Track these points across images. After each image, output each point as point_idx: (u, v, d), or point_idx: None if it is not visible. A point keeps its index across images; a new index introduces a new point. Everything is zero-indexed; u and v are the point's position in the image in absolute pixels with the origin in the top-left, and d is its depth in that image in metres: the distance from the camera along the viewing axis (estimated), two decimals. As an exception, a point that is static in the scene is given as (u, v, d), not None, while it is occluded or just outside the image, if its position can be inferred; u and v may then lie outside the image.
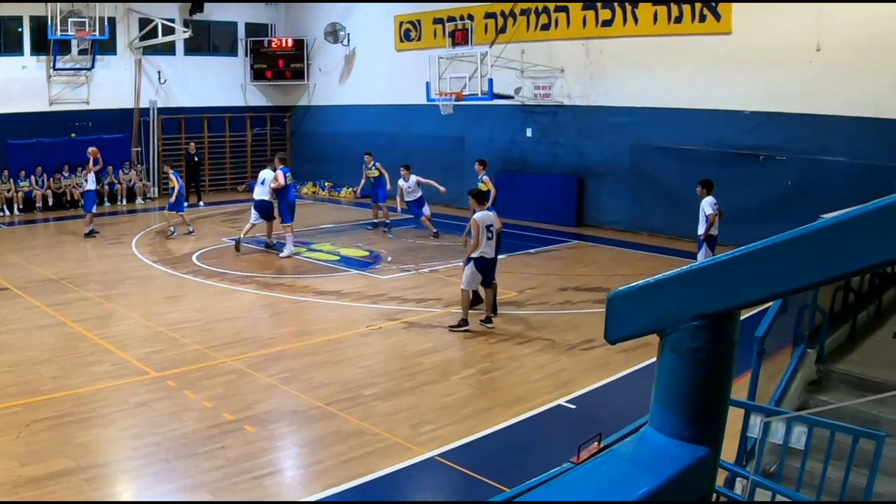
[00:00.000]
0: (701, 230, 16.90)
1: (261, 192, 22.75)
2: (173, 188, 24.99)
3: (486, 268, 15.27)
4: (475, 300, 15.92)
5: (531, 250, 23.35)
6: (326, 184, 36.71)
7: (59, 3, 30.79)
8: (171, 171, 25.84)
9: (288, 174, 22.78)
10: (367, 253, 22.44)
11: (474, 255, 15.15)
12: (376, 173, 25.88)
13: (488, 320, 15.56)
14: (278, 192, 22.47)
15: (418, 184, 24.61)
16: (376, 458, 9.79)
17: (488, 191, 15.87)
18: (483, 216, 15.25)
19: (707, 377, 1.98)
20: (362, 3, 34.60)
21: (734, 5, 23.37)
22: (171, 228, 25.02)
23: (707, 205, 16.85)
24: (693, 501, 2.01)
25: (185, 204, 25.68)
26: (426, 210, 24.82)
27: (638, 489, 1.81)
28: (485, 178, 22.07)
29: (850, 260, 1.67)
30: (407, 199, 24.93)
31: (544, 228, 26.79)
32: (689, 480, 1.96)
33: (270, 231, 23.31)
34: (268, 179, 22.56)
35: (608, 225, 27.17)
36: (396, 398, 11.91)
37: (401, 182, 24.72)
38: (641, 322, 2.07)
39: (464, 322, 15.37)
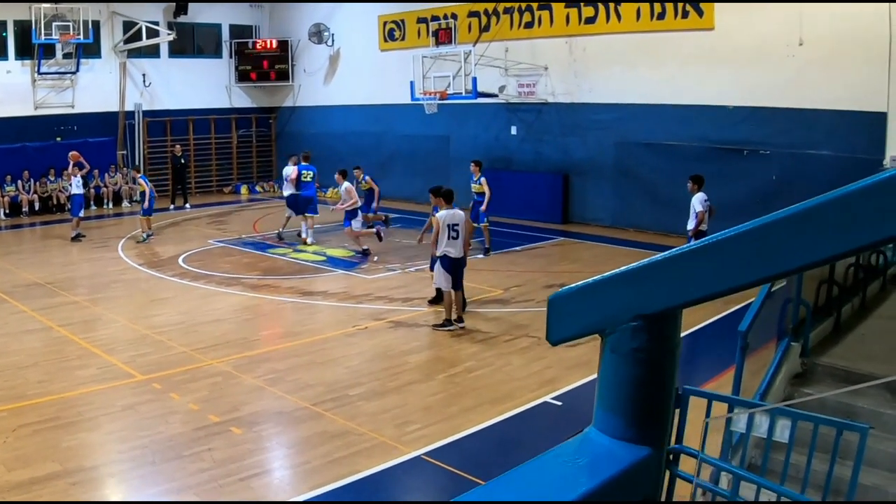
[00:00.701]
0: (691, 226, 16.95)
1: (285, 188, 24.68)
2: (143, 192, 25.04)
3: (452, 267, 15.22)
4: (436, 300, 16.02)
5: (517, 248, 23.40)
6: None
7: (43, 6, 30.73)
8: (140, 176, 26.01)
9: (306, 171, 24.08)
10: (352, 253, 22.42)
11: (438, 253, 15.18)
12: (366, 186, 25.64)
13: (459, 320, 15.50)
14: (297, 187, 24.10)
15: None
16: (362, 458, 9.80)
17: (449, 190, 15.56)
18: (447, 215, 15.21)
19: (648, 377, 1.99)
20: (346, 3, 34.54)
21: (716, 2, 23.41)
22: (144, 234, 24.96)
23: (697, 202, 16.94)
24: (637, 501, 2.02)
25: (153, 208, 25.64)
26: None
27: (577, 489, 1.81)
28: (482, 179, 21.96)
29: (782, 260, 1.68)
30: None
31: (530, 226, 26.81)
32: (631, 480, 1.97)
33: (286, 223, 24.82)
34: (288, 175, 24.17)
35: (593, 221, 27.22)
36: (382, 398, 11.92)
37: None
38: (582, 323, 2.08)
39: (448, 322, 15.36)
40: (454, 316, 15.51)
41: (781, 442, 6.10)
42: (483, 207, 21.78)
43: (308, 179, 24.23)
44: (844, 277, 11.00)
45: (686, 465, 6.11)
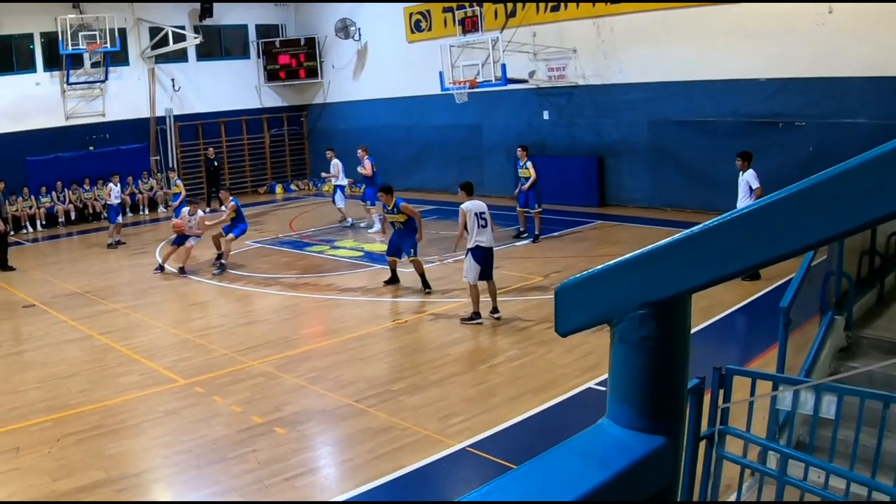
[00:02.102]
0: (745, 203, 16.58)
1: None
2: (178, 194, 25.38)
3: (484, 258, 15.02)
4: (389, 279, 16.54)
5: (555, 233, 23.27)
6: (347, 180, 36.77)
7: (68, 17, 30.89)
8: (176, 177, 26.33)
9: (371, 162, 25.32)
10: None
11: (470, 245, 15.00)
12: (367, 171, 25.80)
13: (495, 310, 15.32)
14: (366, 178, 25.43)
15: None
16: (406, 453, 9.75)
17: (469, 183, 15.58)
18: (472, 205, 15.11)
19: (659, 366, 1.91)
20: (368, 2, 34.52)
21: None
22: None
23: (752, 178, 16.57)
24: (652, 492, 1.95)
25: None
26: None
27: (589, 482, 1.74)
28: (528, 163, 21.98)
29: (792, 239, 1.60)
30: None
31: (566, 210, 26.67)
32: (644, 472, 1.89)
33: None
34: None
35: (630, 203, 27.07)
36: (424, 391, 11.87)
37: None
38: (589, 313, 2.01)
39: (476, 315, 15.21)
40: (487, 308, 15.39)
41: (828, 418, 6.03)
42: (526, 186, 21.89)
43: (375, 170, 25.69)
44: (886, 247, 10.85)
45: (733, 446, 6.04)
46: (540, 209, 22.11)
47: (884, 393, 6.05)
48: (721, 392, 6.05)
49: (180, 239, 20.99)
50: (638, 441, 1.91)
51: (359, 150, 25.84)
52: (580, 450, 1.95)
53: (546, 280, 18.01)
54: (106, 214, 26.28)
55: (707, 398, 5.96)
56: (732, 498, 6.81)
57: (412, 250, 17.38)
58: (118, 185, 26.07)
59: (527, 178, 21.99)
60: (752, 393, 6.26)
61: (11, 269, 22.30)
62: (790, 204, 1.58)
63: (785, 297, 7.97)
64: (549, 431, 10.30)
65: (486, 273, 15.10)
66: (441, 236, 23.19)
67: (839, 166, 1.53)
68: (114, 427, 10.98)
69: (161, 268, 20.99)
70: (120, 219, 25.48)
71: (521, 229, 22.82)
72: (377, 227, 24.99)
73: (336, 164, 26.45)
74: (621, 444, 1.91)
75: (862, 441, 5.94)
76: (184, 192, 26.18)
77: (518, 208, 22.65)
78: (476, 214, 14.95)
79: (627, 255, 1.88)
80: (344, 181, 26.63)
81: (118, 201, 25.49)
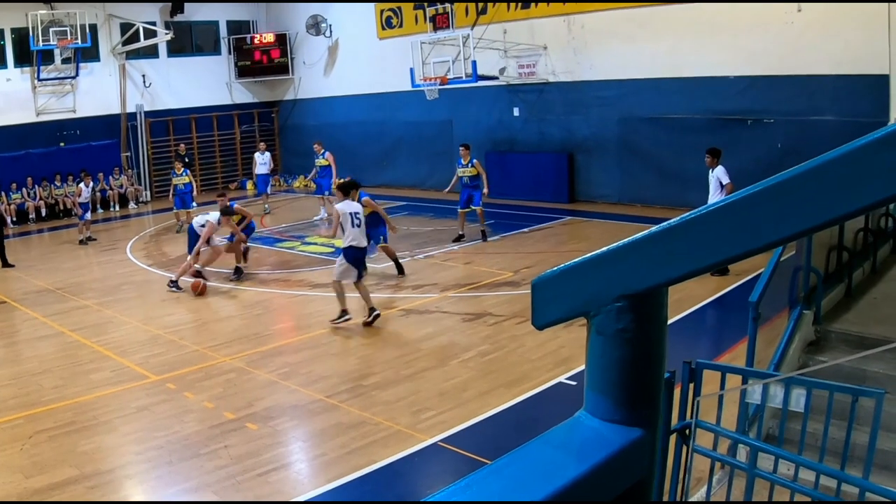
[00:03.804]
0: (716, 199, 16.54)
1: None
2: (189, 184, 25.47)
3: (356, 258, 15.01)
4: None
5: (524, 229, 23.35)
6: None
7: (39, 12, 30.78)
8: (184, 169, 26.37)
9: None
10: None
11: (344, 244, 15.02)
12: (325, 162, 25.88)
13: (373, 310, 15.26)
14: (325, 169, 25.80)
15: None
16: (379, 448, 9.79)
17: (347, 182, 15.71)
18: (345, 206, 15.07)
19: (635, 358, 1.95)
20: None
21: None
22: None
23: (722, 174, 16.66)
24: (630, 484, 1.99)
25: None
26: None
27: (567, 474, 1.78)
28: (474, 161, 21.87)
29: (768, 232, 1.65)
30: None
31: (536, 206, 26.77)
32: (622, 463, 1.93)
33: None
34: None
35: (600, 199, 27.18)
36: (396, 386, 11.91)
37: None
38: (566, 306, 2.04)
39: (343, 312, 15.20)
40: (354, 308, 15.52)
41: (797, 411, 6.11)
42: (485, 190, 21.71)
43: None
44: (854, 242, 10.97)
45: (703, 439, 6.11)
46: (482, 207, 21.94)
47: (852, 386, 6.14)
48: (691, 386, 6.11)
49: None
50: (615, 433, 1.95)
51: (315, 145, 26.02)
52: (558, 442, 1.99)
53: (516, 275, 18.06)
54: (76, 211, 26.11)
55: (678, 392, 6.03)
56: (703, 490, 6.88)
57: (382, 238, 17.49)
58: (89, 185, 25.95)
59: (472, 177, 21.84)
60: (722, 387, 6.33)
61: (11, 265, 22.16)
62: (766, 197, 1.62)
63: (754, 291, 8.06)
64: (522, 425, 10.36)
65: (356, 274, 15.12)
66: (412, 232, 23.24)
67: (814, 160, 1.58)
68: (86, 424, 10.96)
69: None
70: (89, 216, 25.35)
71: (461, 233, 22.37)
72: (322, 214, 25.92)
73: (329, 156, 26.33)
74: (599, 436, 1.95)
75: (831, 434, 6.02)
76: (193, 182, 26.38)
77: (460, 210, 22.28)
78: (350, 214, 14.93)
79: (604, 248, 1.92)
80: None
81: (87, 199, 25.36)
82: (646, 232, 1.82)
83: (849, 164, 1.53)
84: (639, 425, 1.95)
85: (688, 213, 1.75)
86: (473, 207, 21.84)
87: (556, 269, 2.05)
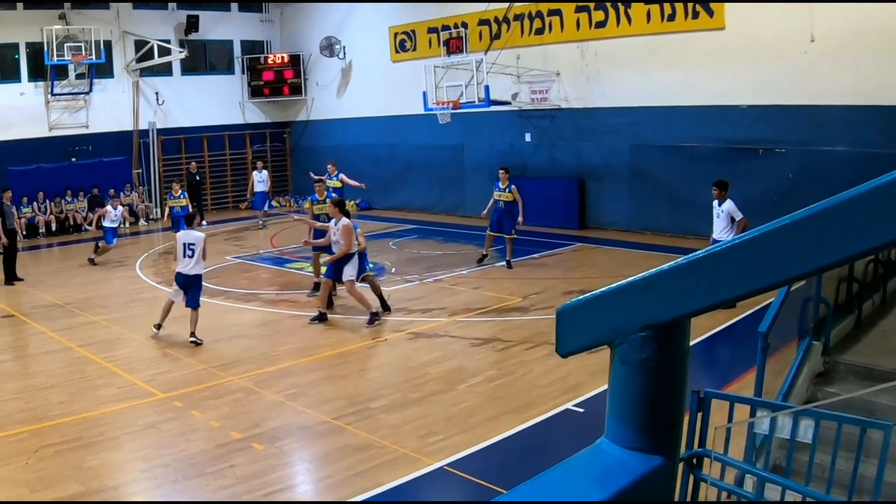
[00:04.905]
0: (729, 236, 16.19)
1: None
2: (186, 206, 25.36)
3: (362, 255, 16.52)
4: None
5: (535, 255, 23.34)
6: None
7: (54, 27, 30.95)
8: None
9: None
10: (371, 265, 22.39)
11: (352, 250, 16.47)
12: (338, 184, 25.99)
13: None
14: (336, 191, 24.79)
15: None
16: (385, 471, 9.76)
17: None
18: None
19: (657, 387, 1.96)
20: (358, 1, 34.51)
21: (727, 2, 23.40)
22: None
23: (733, 209, 16.39)
24: None
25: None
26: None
27: (588, 502, 1.79)
28: (512, 187, 21.65)
29: (790, 266, 1.66)
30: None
31: (547, 232, 26.75)
32: (643, 491, 1.93)
33: None
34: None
35: (610, 226, 27.20)
36: (404, 410, 11.89)
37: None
38: (591, 335, 2.05)
39: (374, 315, 16.58)
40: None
41: (805, 442, 6.08)
42: (521, 218, 21.52)
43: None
44: (864, 273, 10.94)
45: (710, 469, 6.08)
46: (514, 234, 21.80)
47: (861, 418, 6.11)
48: (699, 415, 6.09)
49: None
50: (637, 461, 1.95)
51: (329, 165, 26.08)
52: (580, 469, 1.99)
53: (525, 301, 18.04)
54: (88, 227, 25.92)
55: (686, 421, 6.01)
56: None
57: (367, 266, 17.69)
58: (118, 207, 25.57)
59: (507, 202, 21.65)
60: (731, 416, 6.32)
61: (20, 279, 22.17)
62: (788, 233, 1.63)
63: (764, 321, 8.04)
64: (529, 451, 10.34)
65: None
66: (422, 255, 23.26)
67: (833, 198, 1.58)
68: (92, 439, 10.95)
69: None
70: (115, 242, 25.16)
71: (485, 253, 22.36)
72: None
73: (343, 177, 26.42)
74: (621, 463, 1.96)
75: (838, 465, 5.99)
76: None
77: (489, 232, 22.18)
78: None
79: (629, 279, 1.93)
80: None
81: (116, 224, 25.16)
82: (670, 264, 1.83)
83: (869, 202, 1.54)
84: (660, 453, 1.96)
85: (711, 247, 1.76)
86: (504, 234, 21.71)
87: (581, 298, 2.06)
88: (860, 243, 1.57)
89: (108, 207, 25.11)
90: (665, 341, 1.93)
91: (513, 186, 21.66)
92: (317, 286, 18.71)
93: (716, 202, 16.75)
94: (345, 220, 16.34)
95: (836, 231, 1.59)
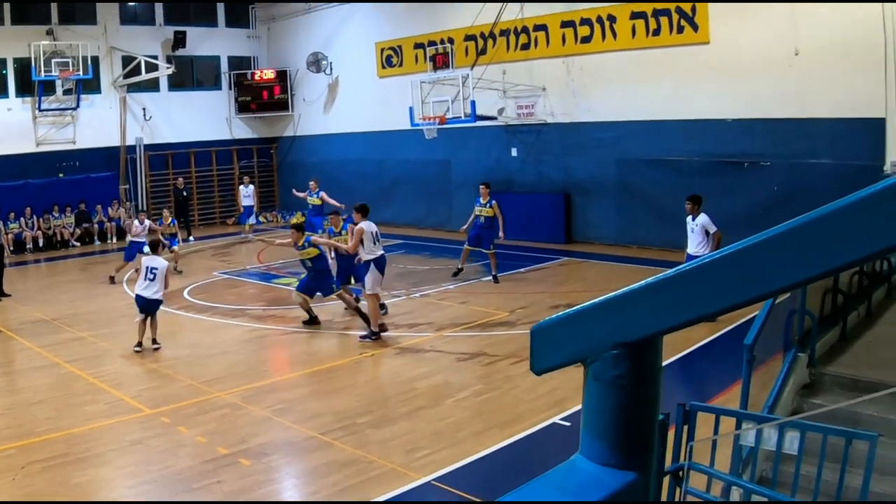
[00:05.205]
0: (704, 250, 16.07)
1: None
2: (176, 237, 25.23)
3: (381, 266, 16.65)
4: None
5: (521, 269, 23.38)
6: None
7: (42, 43, 30.97)
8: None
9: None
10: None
11: (366, 258, 16.49)
12: (318, 201, 26.20)
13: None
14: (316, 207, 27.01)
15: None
16: (372, 486, 9.77)
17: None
18: (367, 224, 16.57)
19: (631, 404, 1.99)
20: (347, 1, 34.58)
21: (711, 15, 23.52)
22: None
23: (708, 222, 16.29)
24: None
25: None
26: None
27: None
28: (492, 202, 21.66)
29: (764, 282, 1.68)
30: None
31: (533, 247, 26.81)
32: (616, 506, 1.96)
33: None
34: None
35: (597, 240, 27.25)
36: (391, 425, 11.90)
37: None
38: (564, 352, 2.08)
39: (381, 329, 16.58)
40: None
41: (791, 454, 6.12)
42: (501, 234, 21.52)
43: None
44: (849, 285, 10.99)
45: (696, 481, 6.12)
46: (493, 249, 21.78)
47: (846, 429, 6.15)
48: (685, 428, 6.13)
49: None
50: (610, 476, 1.98)
51: (311, 182, 26.24)
52: (555, 484, 2.02)
53: (512, 315, 18.07)
54: (74, 242, 25.81)
55: (672, 434, 6.05)
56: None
57: (333, 286, 17.63)
58: (145, 222, 25.01)
59: (487, 218, 21.65)
60: (716, 429, 6.35)
61: (7, 295, 22.14)
62: (760, 250, 1.66)
63: (749, 334, 8.07)
64: (515, 466, 10.34)
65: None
66: (409, 270, 23.27)
67: (809, 214, 1.61)
68: (79, 456, 10.94)
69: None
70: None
71: (461, 267, 22.35)
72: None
73: (324, 195, 26.61)
74: (594, 479, 1.98)
75: (824, 477, 6.03)
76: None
77: (466, 246, 22.20)
78: (371, 233, 16.42)
79: (602, 297, 1.96)
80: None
81: (143, 238, 24.68)
82: (643, 282, 1.86)
83: (844, 217, 1.57)
84: (633, 469, 1.99)
85: (683, 265, 1.79)
86: (482, 249, 21.78)
87: (554, 316, 2.08)
88: (835, 259, 1.60)
89: (136, 222, 24.93)
90: (638, 359, 1.96)
91: (493, 202, 21.68)
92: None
93: (689, 217, 16.65)
94: (362, 223, 16.58)
95: (812, 247, 1.61)
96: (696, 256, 15.89)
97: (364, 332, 16.44)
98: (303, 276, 18.00)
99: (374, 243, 16.45)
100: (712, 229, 16.23)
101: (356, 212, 16.88)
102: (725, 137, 23.57)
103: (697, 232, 16.44)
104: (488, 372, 14.28)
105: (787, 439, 6.09)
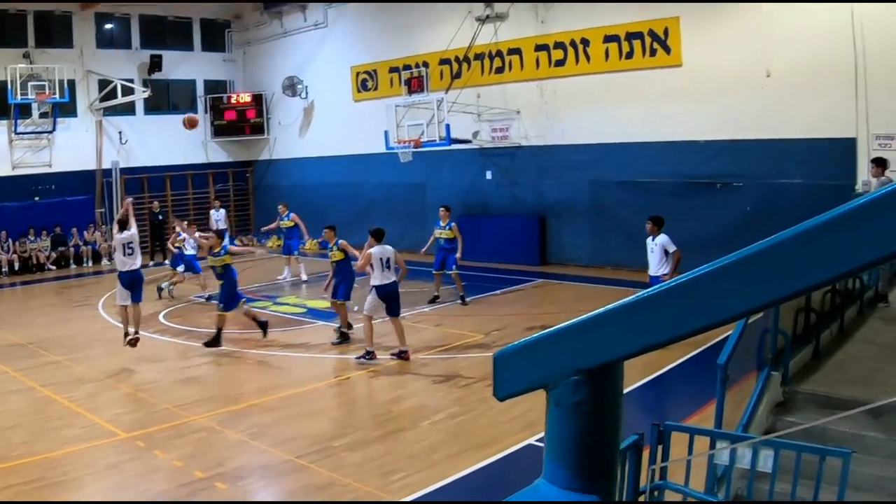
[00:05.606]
0: (664, 270, 16.29)
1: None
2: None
3: (385, 293, 16.62)
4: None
5: (496, 291, 23.47)
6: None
7: (18, 66, 30.93)
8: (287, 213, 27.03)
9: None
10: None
11: (373, 283, 16.57)
12: (290, 223, 26.32)
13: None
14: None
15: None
16: (348, 509, 9.78)
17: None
18: (378, 250, 16.66)
19: (592, 429, 2.04)
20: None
21: (683, 38, 23.71)
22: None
23: (667, 242, 16.35)
24: None
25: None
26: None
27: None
28: (452, 224, 22.00)
29: (721, 308, 1.73)
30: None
31: (508, 269, 26.89)
32: (578, 530, 2.01)
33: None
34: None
35: (571, 262, 27.36)
36: (366, 447, 11.90)
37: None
38: (526, 379, 2.13)
39: (369, 354, 16.58)
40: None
41: (766, 472, 6.18)
42: (459, 255, 21.75)
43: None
44: (822, 304, 11.09)
45: (672, 500, 6.16)
46: (456, 270, 21.96)
47: (820, 446, 6.22)
48: (660, 448, 6.18)
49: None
50: (572, 501, 2.03)
51: (280, 206, 26.39)
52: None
53: (487, 337, 18.12)
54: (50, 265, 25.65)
55: (646, 454, 6.10)
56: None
57: (241, 301, 18.47)
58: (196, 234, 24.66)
59: (447, 240, 21.92)
60: (691, 448, 6.41)
61: None
62: (717, 276, 1.71)
63: (722, 353, 8.13)
64: (491, 488, 10.36)
65: (385, 308, 16.58)
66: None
67: (769, 239, 1.66)
68: (55, 480, 10.89)
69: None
70: (193, 272, 24.65)
71: (437, 294, 22.46)
72: (286, 274, 27.01)
73: (294, 217, 26.70)
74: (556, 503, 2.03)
75: (799, 494, 6.09)
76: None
77: (434, 271, 22.40)
78: (380, 259, 16.54)
79: (562, 325, 2.01)
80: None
81: (195, 251, 24.58)
82: (601, 309, 1.91)
83: (800, 243, 1.62)
84: (594, 493, 2.03)
85: (642, 292, 1.84)
86: (447, 271, 21.93)
87: (516, 343, 2.13)
88: (793, 284, 1.65)
89: (185, 235, 24.89)
90: (598, 385, 2.01)
91: (453, 224, 22.02)
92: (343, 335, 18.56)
93: (650, 237, 16.73)
94: (372, 249, 16.70)
95: (769, 273, 1.66)
96: (657, 277, 16.10)
97: (358, 355, 16.52)
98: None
99: (383, 270, 16.49)
100: (671, 248, 16.31)
101: (370, 235, 17.07)
102: (698, 159, 23.74)
103: (657, 252, 16.48)
104: (464, 394, 14.29)
105: (761, 457, 6.14)
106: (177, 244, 24.28)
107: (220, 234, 18.12)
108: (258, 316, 18.45)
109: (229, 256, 17.83)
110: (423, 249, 22.55)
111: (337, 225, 19.11)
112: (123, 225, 17.94)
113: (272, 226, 28.07)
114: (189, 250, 24.48)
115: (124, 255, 17.16)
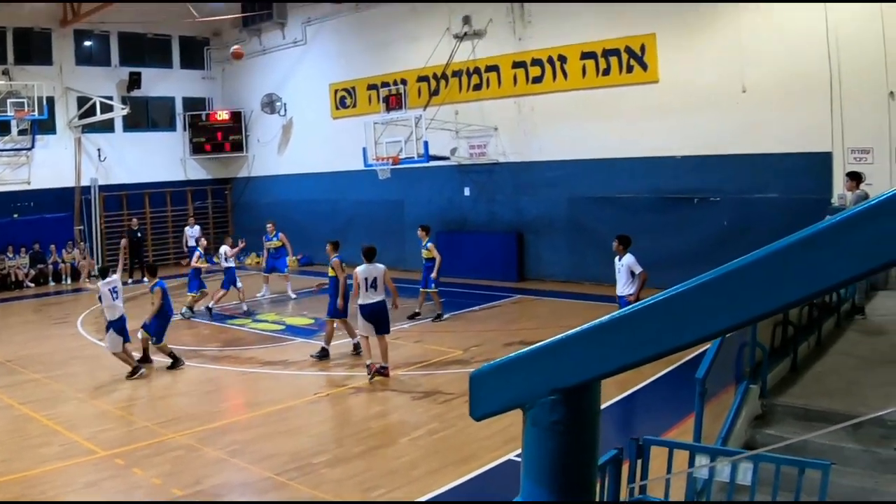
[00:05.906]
0: (629, 290, 16.44)
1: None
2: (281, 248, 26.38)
3: (370, 312, 16.48)
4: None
5: (474, 308, 23.49)
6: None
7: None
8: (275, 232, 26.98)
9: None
10: (312, 321, 22.40)
11: (358, 302, 16.52)
12: (278, 244, 26.35)
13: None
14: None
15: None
16: (327, 526, 9.77)
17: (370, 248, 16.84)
18: (364, 270, 16.60)
19: (570, 448, 2.05)
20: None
21: (660, 54, 23.85)
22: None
23: (633, 263, 16.42)
24: None
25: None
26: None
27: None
28: (429, 244, 22.08)
29: (695, 328, 1.76)
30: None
31: (486, 285, 26.95)
32: (555, 549, 2.03)
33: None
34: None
35: (549, 277, 27.43)
36: (346, 464, 11.89)
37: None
38: (503, 398, 2.15)
39: (372, 371, 16.34)
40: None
41: (745, 484, 6.21)
42: (434, 274, 21.83)
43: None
44: (799, 317, 11.15)
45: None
46: (434, 288, 22.10)
47: (799, 459, 6.26)
48: (639, 462, 6.21)
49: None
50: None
51: (269, 225, 26.40)
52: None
53: (466, 353, 18.16)
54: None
55: (626, 468, 6.13)
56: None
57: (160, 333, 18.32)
58: (233, 246, 25.63)
59: (429, 259, 22.04)
60: (670, 461, 6.43)
61: None
62: (696, 294, 1.74)
63: (700, 367, 8.17)
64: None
65: (374, 329, 16.46)
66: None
67: (745, 258, 1.69)
68: (34, 498, 10.82)
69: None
70: (225, 285, 24.84)
71: (417, 311, 22.51)
72: (264, 291, 27.11)
73: (283, 236, 26.70)
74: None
75: (780, 506, 6.12)
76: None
77: (421, 289, 22.60)
78: (365, 279, 16.49)
79: (538, 344, 2.03)
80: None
81: (232, 263, 24.80)
82: (577, 329, 1.93)
83: (770, 265, 1.66)
84: (571, 513, 2.05)
85: (618, 312, 1.87)
86: (425, 289, 22.15)
87: (492, 363, 2.15)
88: (770, 302, 1.68)
89: (225, 247, 25.08)
90: (575, 404, 2.02)
91: (429, 244, 22.09)
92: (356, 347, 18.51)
93: (616, 257, 16.81)
94: (358, 269, 16.67)
95: (746, 291, 1.69)
96: (623, 297, 16.11)
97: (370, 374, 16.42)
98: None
99: (367, 290, 16.44)
100: (637, 270, 16.36)
101: (362, 254, 16.99)
102: (675, 174, 23.86)
103: (623, 272, 16.57)
104: (443, 410, 14.30)
105: (740, 470, 6.17)
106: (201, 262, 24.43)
107: (153, 273, 18.67)
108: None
109: (160, 290, 18.20)
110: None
111: (340, 241, 19.25)
112: (105, 272, 18.12)
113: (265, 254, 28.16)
114: (229, 262, 24.72)
115: (113, 299, 17.29)
